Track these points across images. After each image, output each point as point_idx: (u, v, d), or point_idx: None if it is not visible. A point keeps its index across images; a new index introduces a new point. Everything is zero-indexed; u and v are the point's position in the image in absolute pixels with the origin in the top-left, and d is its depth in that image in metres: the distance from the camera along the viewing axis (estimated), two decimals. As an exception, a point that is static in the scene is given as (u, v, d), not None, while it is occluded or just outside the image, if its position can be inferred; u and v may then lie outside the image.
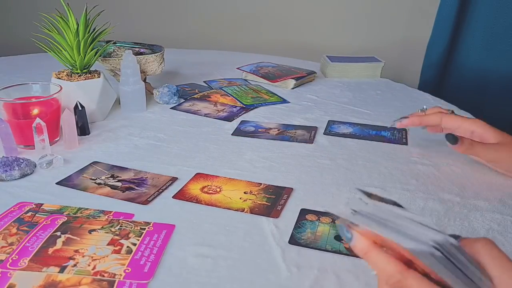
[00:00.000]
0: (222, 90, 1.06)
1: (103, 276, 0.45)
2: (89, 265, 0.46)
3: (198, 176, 0.66)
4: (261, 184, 0.64)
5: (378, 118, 0.91)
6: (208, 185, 0.63)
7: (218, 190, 0.62)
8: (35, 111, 0.75)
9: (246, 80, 1.15)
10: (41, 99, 0.76)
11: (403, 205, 0.38)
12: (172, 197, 0.60)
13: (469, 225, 0.55)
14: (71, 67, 0.84)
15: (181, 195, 0.61)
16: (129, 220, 0.55)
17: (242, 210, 0.57)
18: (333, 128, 0.85)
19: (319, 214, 0.57)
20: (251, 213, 0.57)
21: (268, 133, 0.83)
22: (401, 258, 0.36)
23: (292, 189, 0.63)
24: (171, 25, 1.86)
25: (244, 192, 0.62)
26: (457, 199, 0.61)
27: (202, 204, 0.59)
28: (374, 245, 0.37)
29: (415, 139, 0.81)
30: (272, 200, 0.60)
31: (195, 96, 1.02)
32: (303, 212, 0.57)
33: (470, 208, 0.59)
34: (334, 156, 0.74)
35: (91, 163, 0.70)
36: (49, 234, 0.51)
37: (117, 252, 0.49)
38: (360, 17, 1.69)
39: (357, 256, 0.49)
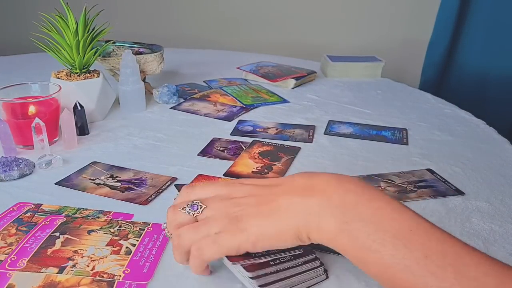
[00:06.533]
0: (222, 90, 1.06)
1: (102, 276, 0.45)
2: (88, 266, 0.46)
3: (200, 177, 0.66)
4: None
5: (378, 118, 0.90)
6: None
7: None
8: (34, 110, 0.74)
9: (246, 79, 1.15)
10: (40, 99, 0.76)
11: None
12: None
13: (470, 226, 0.55)
14: (70, 67, 0.83)
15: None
16: (128, 220, 0.55)
17: None
18: (333, 128, 0.85)
19: None
20: None
21: (267, 132, 0.83)
22: None
23: None
24: (171, 25, 1.86)
25: None
26: (458, 200, 0.61)
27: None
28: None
29: (416, 139, 0.81)
30: None
31: (194, 96, 1.02)
32: None
33: (471, 209, 0.59)
34: (334, 156, 0.74)
35: (90, 163, 0.69)
36: (48, 235, 0.51)
37: (116, 252, 0.48)
38: (361, 17, 1.69)
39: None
